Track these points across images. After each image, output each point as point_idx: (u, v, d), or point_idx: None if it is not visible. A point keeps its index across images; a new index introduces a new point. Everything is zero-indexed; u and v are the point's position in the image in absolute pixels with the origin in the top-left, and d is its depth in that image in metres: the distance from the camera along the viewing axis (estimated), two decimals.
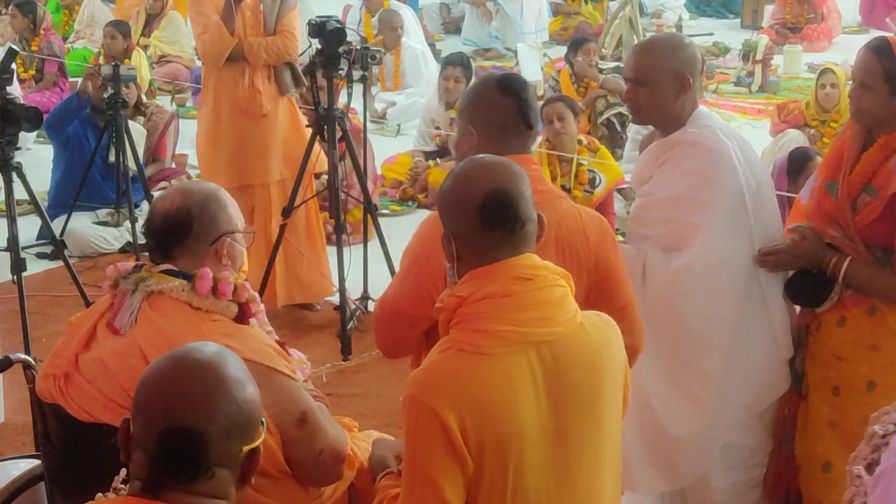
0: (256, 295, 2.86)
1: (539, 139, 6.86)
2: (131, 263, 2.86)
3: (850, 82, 3.34)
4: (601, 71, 8.79)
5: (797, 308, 3.52)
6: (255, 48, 5.52)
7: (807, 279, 3.37)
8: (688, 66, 3.35)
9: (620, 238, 3.54)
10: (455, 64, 7.97)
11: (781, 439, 3.55)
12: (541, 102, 8.10)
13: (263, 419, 2.06)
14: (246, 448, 2.00)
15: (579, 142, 6.46)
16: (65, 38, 10.95)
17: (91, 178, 6.75)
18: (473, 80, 8.19)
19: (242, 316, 2.79)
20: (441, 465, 2.21)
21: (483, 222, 2.32)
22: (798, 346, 3.46)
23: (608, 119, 8.39)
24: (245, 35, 5.54)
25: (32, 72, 9.89)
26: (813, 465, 3.43)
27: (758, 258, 3.37)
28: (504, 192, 2.34)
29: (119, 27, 8.69)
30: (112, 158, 6.73)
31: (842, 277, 3.27)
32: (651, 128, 3.67)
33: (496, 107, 2.92)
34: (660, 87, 3.33)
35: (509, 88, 2.93)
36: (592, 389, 2.34)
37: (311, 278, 5.86)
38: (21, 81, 9.49)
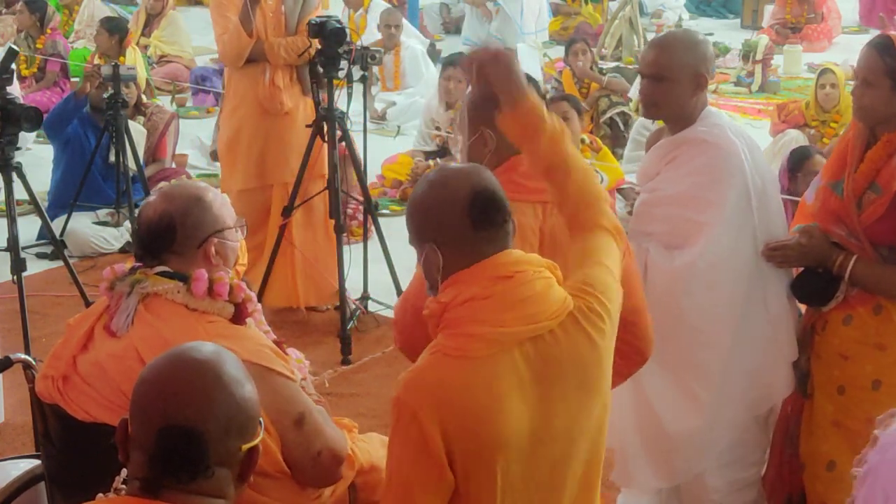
0: (253, 294, 2.86)
1: None
2: (128, 265, 2.85)
3: (852, 82, 3.34)
4: (601, 71, 8.78)
5: (801, 308, 3.52)
6: (275, 48, 5.55)
7: (813, 278, 3.37)
8: (705, 64, 3.36)
9: None
10: (455, 64, 7.96)
11: (784, 438, 3.55)
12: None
13: (261, 419, 2.06)
14: (245, 447, 1.99)
15: (582, 141, 6.46)
16: (65, 38, 10.94)
17: (91, 178, 6.75)
18: None
19: (239, 316, 2.79)
20: (418, 470, 2.20)
21: (473, 221, 2.30)
22: (802, 346, 3.46)
23: (611, 118, 8.39)
24: (266, 35, 5.56)
25: (34, 69, 9.87)
26: (817, 465, 3.43)
27: (765, 253, 3.37)
28: (487, 188, 2.34)
29: (106, 23, 8.63)
30: (112, 158, 6.75)
31: (848, 275, 3.27)
32: (656, 125, 3.67)
33: None
34: (678, 84, 3.33)
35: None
36: (578, 383, 2.31)
37: (326, 281, 5.84)
38: (22, 79, 9.48)
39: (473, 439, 2.20)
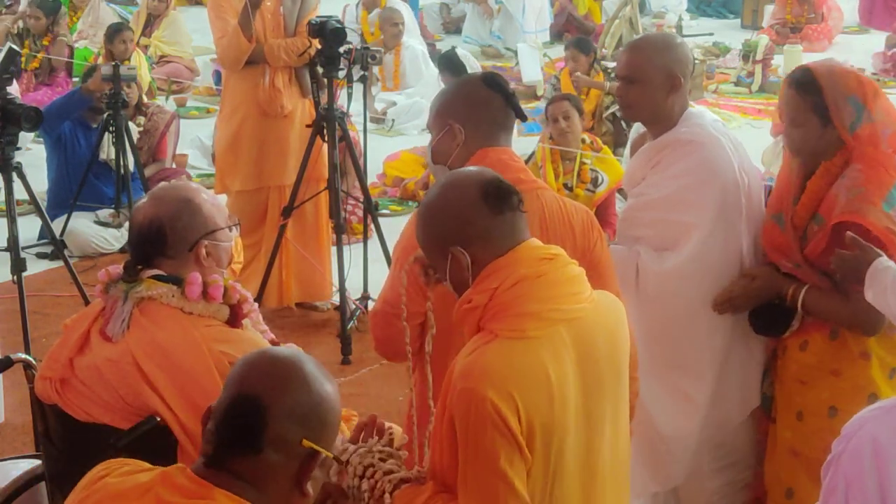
0: (248, 295, 2.85)
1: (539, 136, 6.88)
2: (122, 267, 2.84)
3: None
4: (605, 70, 8.72)
5: None
6: (275, 50, 5.55)
7: (768, 309, 3.31)
8: (679, 66, 3.34)
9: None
10: (443, 69, 7.92)
11: (757, 462, 3.52)
12: (543, 102, 8.09)
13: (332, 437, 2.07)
14: (306, 442, 2.00)
15: (583, 141, 6.46)
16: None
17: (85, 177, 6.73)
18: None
19: (234, 318, 2.79)
20: (507, 455, 2.18)
21: (491, 209, 2.33)
22: (766, 370, 3.43)
23: (613, 114, 8.35)
24: (265, 37, 5.55)
25: (35, 64, 9.84)
26: (777, 491, 3.38)
27: (715, 307, 3.32)
28: (495, 177, 2.39)
29: (131, 32, 8.56)
30: (103, 156, 6.75)
31: (800, 306, 3.23)
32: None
33: (485, 102, 2.90)
34: (650, 85, 3.32)
35: (495, 84, 2.94)
36: (612, 368, 2.35)
37: (314, 278, 5.86)
38: (21, 73, 9.41)
39: (540, 419, 2.20)
